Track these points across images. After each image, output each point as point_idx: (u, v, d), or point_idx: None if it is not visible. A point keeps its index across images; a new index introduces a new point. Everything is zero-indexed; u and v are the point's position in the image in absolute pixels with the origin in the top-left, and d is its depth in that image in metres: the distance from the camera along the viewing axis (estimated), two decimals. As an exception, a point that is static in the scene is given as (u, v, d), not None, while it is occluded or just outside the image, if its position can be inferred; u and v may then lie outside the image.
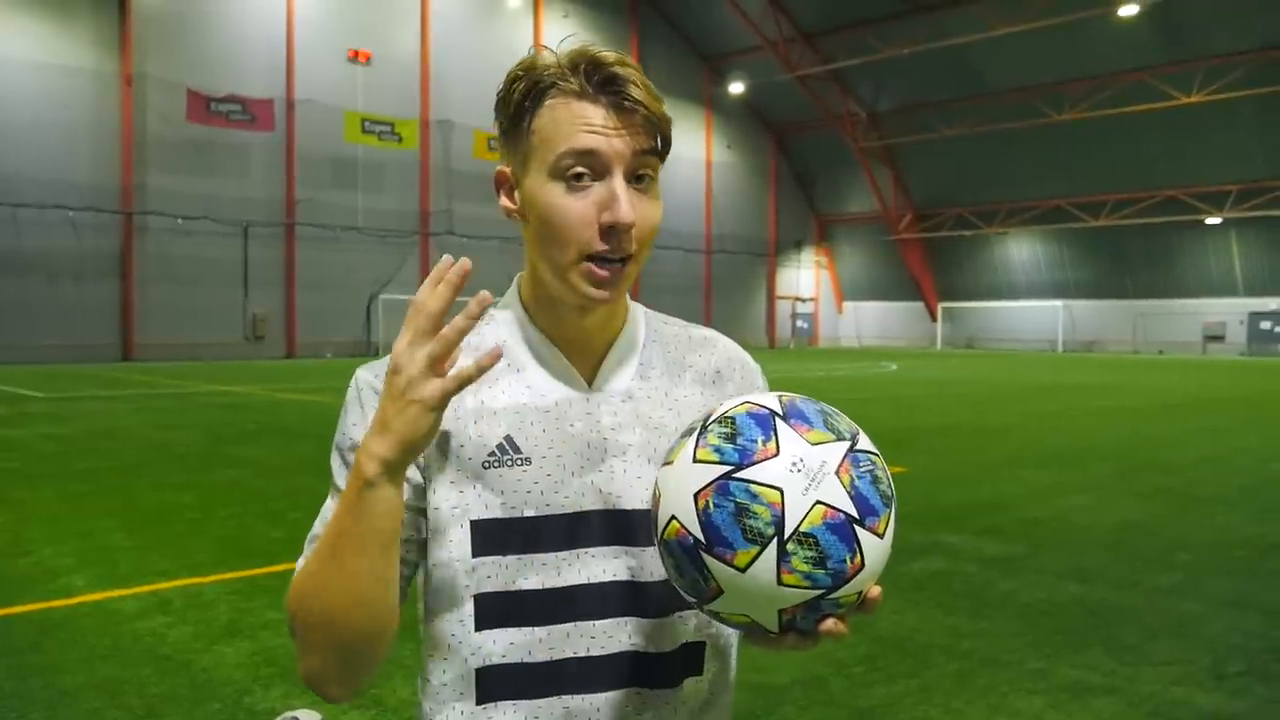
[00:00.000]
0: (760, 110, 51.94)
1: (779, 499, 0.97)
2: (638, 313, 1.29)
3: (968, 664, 4.54)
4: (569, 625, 1.15)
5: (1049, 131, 43.53)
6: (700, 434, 1.04)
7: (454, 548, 1.16)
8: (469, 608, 1.16)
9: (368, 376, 1.19)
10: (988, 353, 46.76)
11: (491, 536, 1.16)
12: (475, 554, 1.15)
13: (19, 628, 4.96)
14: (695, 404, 1.25)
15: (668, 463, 1.06)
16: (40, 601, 5.38)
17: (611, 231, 1.11)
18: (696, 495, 1.00)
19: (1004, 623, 5.17)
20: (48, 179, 29.82)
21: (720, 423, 1.04)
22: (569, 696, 1.15)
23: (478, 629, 1.16)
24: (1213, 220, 42.21)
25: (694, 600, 1.04)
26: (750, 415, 1.03)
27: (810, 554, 0.97)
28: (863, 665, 4.44)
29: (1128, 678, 4.36)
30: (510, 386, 1.20)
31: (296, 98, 34.82)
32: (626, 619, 1.17)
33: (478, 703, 1.16)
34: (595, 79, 1.11)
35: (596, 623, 1.16)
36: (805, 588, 0.98)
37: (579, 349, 1.22)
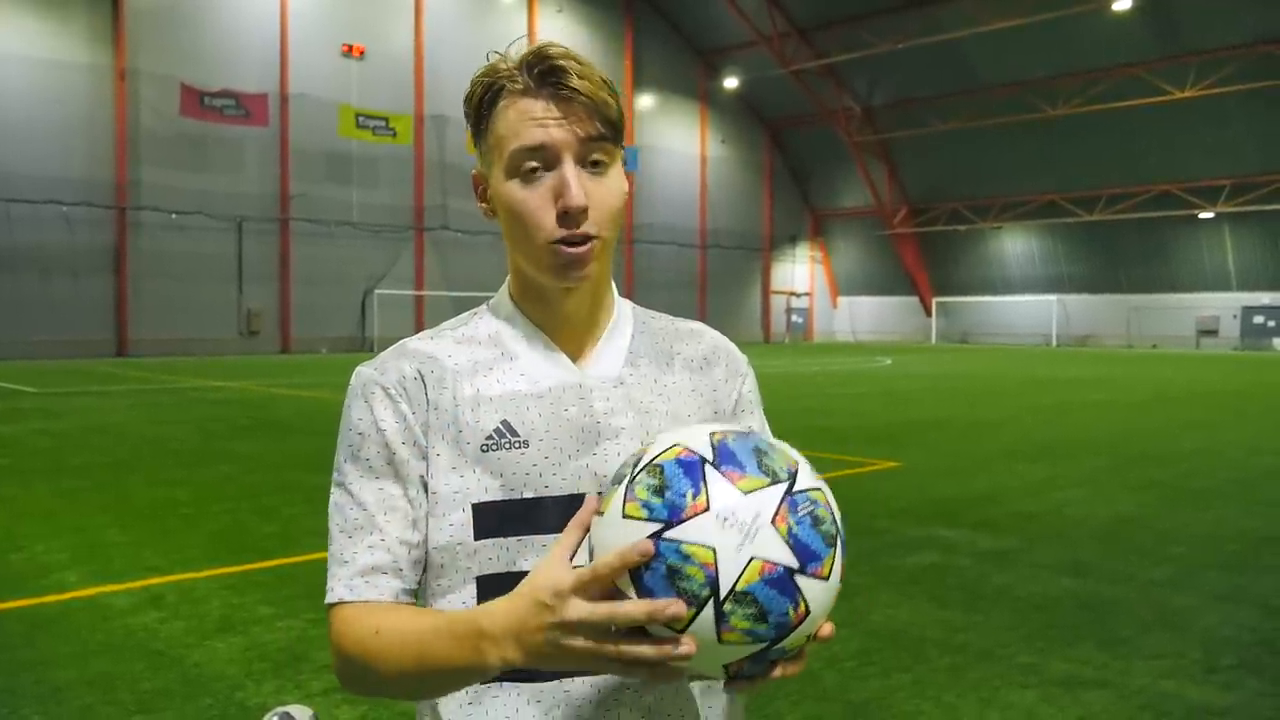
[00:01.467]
0: (755, 105, 51.91)
1: (711, 559, 0.92)
2: (625, 308, 1.33)
3: (961, 658, 4.54)
4: None
5: (1043, 126, 43.57)
6: (629, 485, 0.98)
7: (455, 531, 1.19)
8: (471, 589, 1.19)
9: (370, 372, 1.24)
10: (982, 347, 46.82)
11: (492, 519, 1.18)
12: (477, 537, 1.18)
13: (11, 623, 4.95)
14: (685, 389, 1.30)
15: (599, 512, 1.01)
16: (33, 597, 5.37)
17: (567, 216, 1.15)
18: None
19: (997, 616, 5.17)
20: (41, 174, 29.75)
21: (649, 472, 0.97)
22: (569, 680, 1.17)
23: None
24: (1206, 215, 42.29)
25: None
26: (679, 463, 0.97)
27: (749, 611, 0.92)
28: (855, 659, 4.45)
29: (1120, 671, 4.37)
30: (505, 375, 1.24)
31: (290, 92, 34.75)
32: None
33: (481, 681, 1.18)
34: (535, 72, 1.16)
35: None
36: (747, 643, 0.93)
37: (567, 338, 1.26)
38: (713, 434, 1.01)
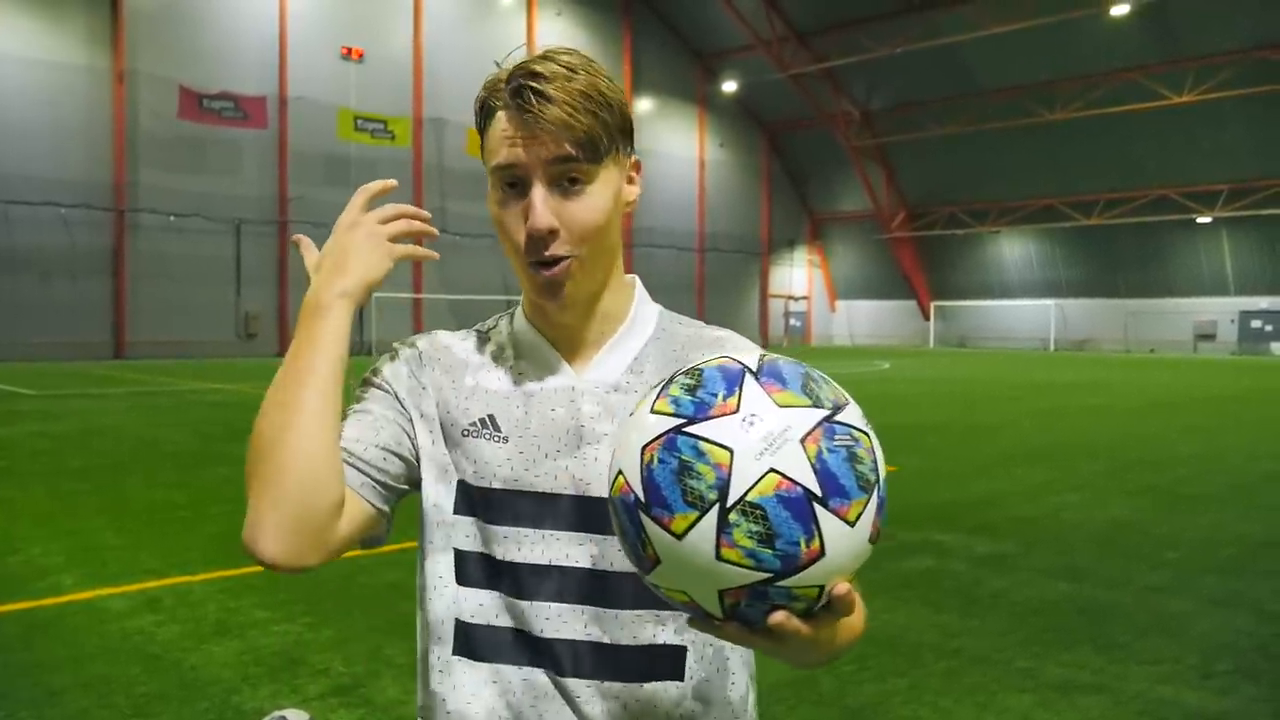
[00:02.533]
0: (753, 109, 51.95)
1: (727, 460, 0.85)
2: (649, 312, 1.32)
3: (957, 662, 4.54)
4: (525, 603, 1.19)
5: (1041, 130, 43.62)
6: (666, 385, 0.95)
7: (441, 496, 1.24)
8: (449, 558, 1.23)
9: (399, 345, 1.35)
10: (980, 351, 46.84)
11: (466, 499, 1.23)
12: (455, 511, 1.23)
13: (7, 626, 4.94)
14: None
15: (630, 414, 0.98)
16: (29, 600, 5.36)
17: (533, 239, 1.16)
18: (644, 448, 0.90)
19: (994, 621, 5.18)
20: (39, 176, 29.72)
21: (687, 374, 0.94)
22: (528, 669, 1.18)
23: (458, 582, 1.22)
24: (1204, 219, 42.34)
25: (637, 570, 0.95)
26: (720, 369, 0.92)
27: (755, 528, 0.85)
28: (852, 664, 4.44)
29: (1116, 676, 4.37)
30: (505, 373, 1.28)
31: (289, 95, 34.75)
32: (584, 607, 1.19)
33: (453, 652, 1.21)
34: (511, 89, 1.15)
35: (552, 604, 1.18)
36: (748, 567, 0.85)
37: (571, 344, 1.27)
38: (763, 355, 0.97)
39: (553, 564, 1.19)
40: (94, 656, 4.48)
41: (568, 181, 1.16)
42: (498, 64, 1.20)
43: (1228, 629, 5.05)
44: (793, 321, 56.21)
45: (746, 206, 52.85)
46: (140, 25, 31.70)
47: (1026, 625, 5.10)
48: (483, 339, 1.33)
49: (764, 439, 0.86)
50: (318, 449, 1.12)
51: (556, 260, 1.17)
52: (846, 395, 0.96)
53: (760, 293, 54.18)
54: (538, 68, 1.14)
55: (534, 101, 1.12)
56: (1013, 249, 49.72)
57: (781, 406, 0.88)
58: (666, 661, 1.20)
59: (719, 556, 0.85)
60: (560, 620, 1.18)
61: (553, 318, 1.25)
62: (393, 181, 1.29)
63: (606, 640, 1.18)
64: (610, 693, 1.18)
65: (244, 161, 33.97)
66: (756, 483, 0.85)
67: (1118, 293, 46.86)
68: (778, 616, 0.89)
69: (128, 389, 19.60)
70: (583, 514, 1.19)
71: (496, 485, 1.21)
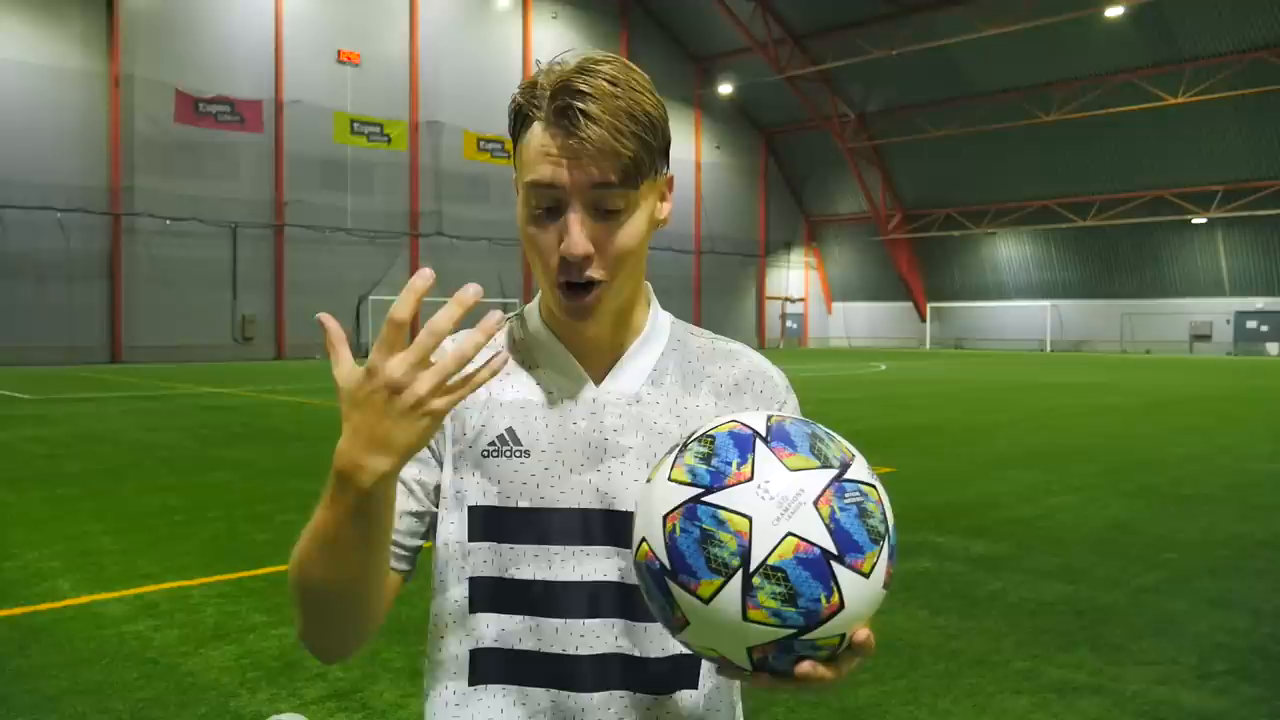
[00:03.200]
0: (749, 111, 52.00)
1: (746, 527, 0.90)
2: (663, 320, 1.30)
3: (955, 664, 4.55)
4: (558, 620, 1.17)
5: (1036, 132, 43.69)
6: (680, 452, 0.99)
7: (453, 529, 1.21)
8: (464, 589, 1.20)
9: None
10: (976, 353, 46.88)
11: (487, 523, 1.19)
12: (471, 538, 1.20)
13: (4, 631, 4.93)
14: (708, 414, 1.25)
15: (648, 480, 1.02)
16: (25, 605, 5.36)
17: (567, 263, 1.13)
18: (665, 517, 0.95)
19: (991, 622, 5.18)
20: (35, 180, 29.71)
21: (700, 441, 0.98)
22: (555, 691, 1.17)
23: (472, 611, 1.20)
24: (1199, 220, 42.43)
25: (666, 629, 1.00)
26: (731, 435, 0.97)
27: (778, 589, 0.90)
28: (850, 666, 4.44)
29: (1113, 677, 4.38)
30: (520, 382, 1.24)
31: (285, 99, 34.76)
32: (615, 621, 1.18)
33: (470, 683, 1.20)
34: (555, 106, 1.10)
35: (585, 621, 1.17)
36: (774, 625, 0.91)
37: (590, 351, 1.24)
38: (770, 416, 1.01)
39: (584, 580, 1.18)
40: (91, 662, 4.48)
41: (606, 209, 1.12)
42: (538, 64, 1.15)
43: (1224, 629, 5.06)
44: (789, 324, 56.25)
45: (743, 209, 52.90)
46: (136, 29, 31.69)
47: (1024, 626, 5.10)
48: (489, 345, 1.26)
49: (780, 504, 0.91)
50: (375, 603, 1.13)
51: (589, 285, 1.14)
52: (853, 450, 1.00)
53: (757, 295, 54.22)
54: (582, 86, 1.08)
55: (581, 124, 1.08)
56: (1009, 250, 49.79)
57: (793, 470, 0.93)
58: (686, 671, 1.21)
59: (745, 617, 0.91)
60: (593, 636, 1.17)
61: (577, 330, 1.22)
62: (427, 273, 0.96)
63: (636, 653, 1.18)
64: (637, 704, 1.18)
65: (240, 165, 33.96)
66: (776, 547, 0.90)
67: (1114, 293, 46.93)
68: (804, 667, 0.94)
69: (124, 393, 19.58)
70: (611, 529, 1.18)
71: (523, 504, 1.19)
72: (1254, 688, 4.27)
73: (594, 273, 1.13)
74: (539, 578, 1.18)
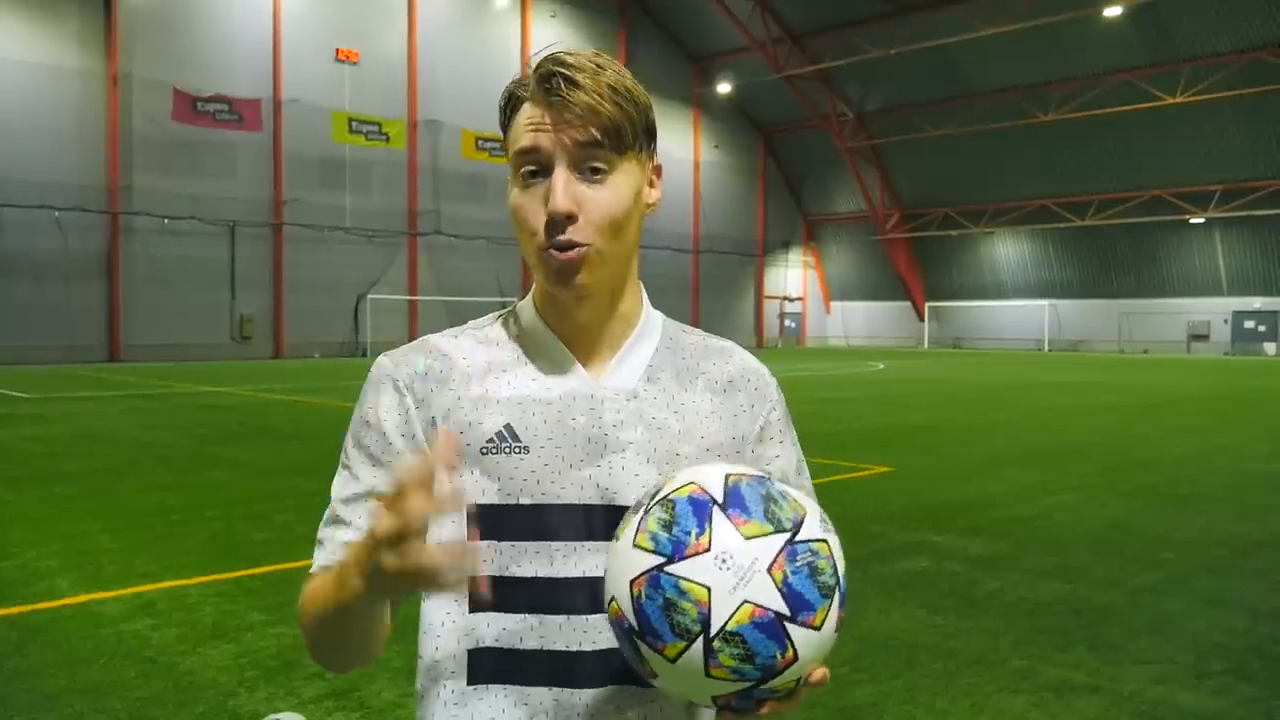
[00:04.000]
0: (748, 110, 52.00)
1: (706, 596, 0.97)
2: (655, 318, 1.31)
3: (952, 663, 4.55)
4: (561, 617, 1.17)
5: (1035, 132, 43.71)
6: (644, 515, 1.04)
7: (451, 530, 1.19)
8: (463, 589, 1.18)
9: (388, 363, 1.26)
10: (975, 352, 46.90)
11: (487, 522, 1.18)
12: (470, 538, 1.18)
13: (1, 631, 4.93)
14: (704, 410, 1.27)
15: (615, 538, 1.07)
16: (23, 604, 5.35)
17: (552, 223, 1.14)
18: (632, 582, 1.01)
19: (989, 622, 5.19)
20: (33, 179, 29.68)
21: (662, 506, 1.03)
22: (558, 688, 1.17)
23: (471, 610, 1.19)
24: (1197, 220, 42.46)
25: (639, 674, 1.06)
26: (690, 500, 1.02)
27: (737, 651, 0.97)
28: (848, 665, 4.45)
29: (1111, 677, 4.38)
30: (515, 378, 1.24)
31: (284, 97, 34.73)
32: None
33: (468, 683, 1.19)
34: (538, 76, 1.16)
35: (589, 617, 1.17)
36: (734, 680, 0.98)
37: (586, 346, 1.25)
38: (728, 475, 1.05)
39: (586, 575, 1.18)
40: (89, 661, 4.48)
41: (590, 170, 1.15)
42: (527, 65, 1.21)
43: (1222, 629, 5.06)
44: (788, 323, 56.27)
45: (741, 208, 52.90)
46: (134, 28, 31.66)
47: (1021, 626, 5.11)
48: (482, 340, 1.28)
49: (736, 574, 0.98)
50: (380, 639, 1.22)
51: (573, 246, 1.15)
52: (804, 505, 1.06)
53: (755, 294, 54.23)
54: (568, 58, 1.15)
55: (562, 87, 1.13)
56: (1007, 250, 49.81)
57: (748, 539, 0.99)
58: None
59: (709, 674, 0.98)
60: (596, 631, 1.17)
61: (570, 314, 1.22)
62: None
63: None
64: (638, 698, 1.18)
65: (238, 164, 33.93)
66: (734, 614, 0.97)
67: (1112, 293, 46.97)
68: (765, 710, 1.03)
69: (122, 392, 19.57)
70: (612, 524, 1.17)
71: (524, 501, 1.19)
72: (1251, 687, 4.28)
73: (577, 235, 1.15)
74: (541, 575, 1.18)
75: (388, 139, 37.09)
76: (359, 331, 36.96)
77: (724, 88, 47.06)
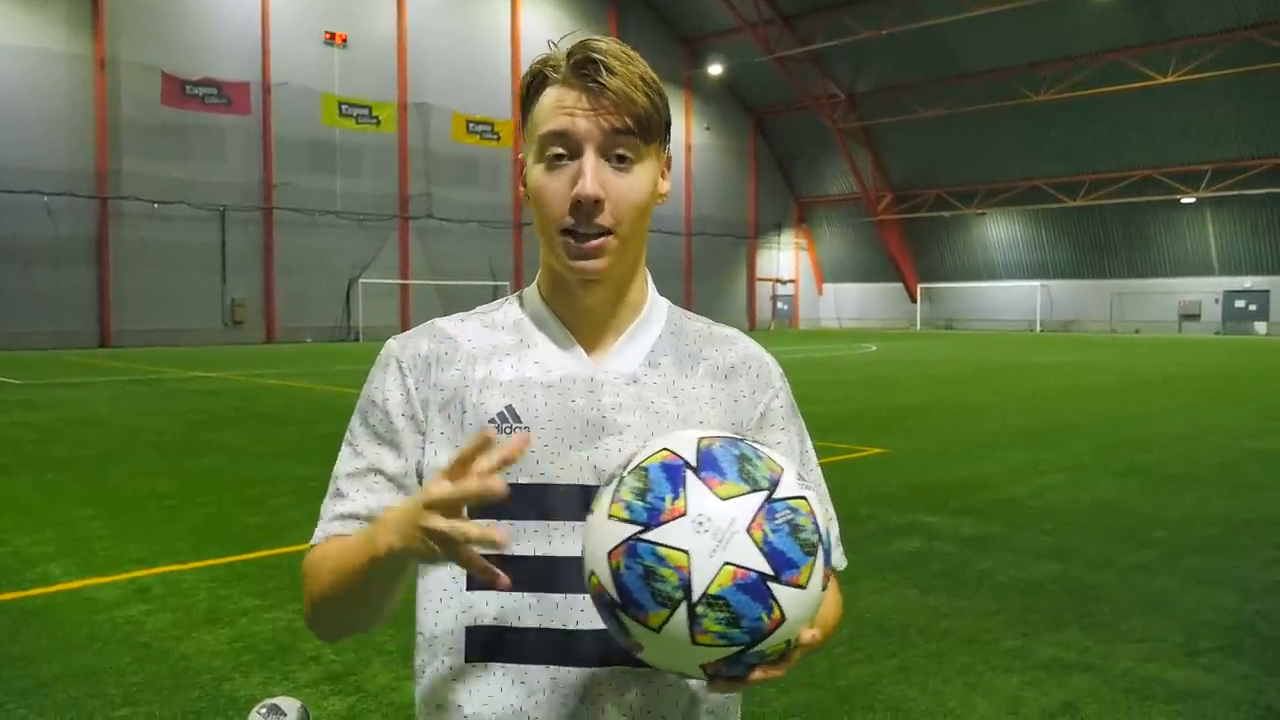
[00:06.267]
0: (739, 92, 51.86)
1: (685, 562, 0.94)
2: (660, 305, 1.34)
3: (945, 643, 4.58)
4: (559, 596, 1.19)
5: (1026, 112, 43.70)
6: (618, 486, 1.02)
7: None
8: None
9: (395, 345, 1.30)
10: (967, 333, 47.00)
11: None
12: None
13: (-4, 617, 4.93)
14: (703, 396, 1.28)
15: (590, 510, 1.05)
16: (16, 591, 5.35)
17: (579, 206, 1.16)
18: (609, 554, 0.99)
19: (981, 602, 5.21)
20: (22, 164, 29.51)
21: (635, 474, 1.01)
22: (555, 666, 1.18)
23: (469, 588, 1.21)
24: (1188, 200, 42.53)
25: (626, 649, 1.05)
26: (663, 467, 1.00)
27: (721, 615, 0.94)
28: (843, 645, 4.47)
29: (1103, 655, 4.41)
30: (518, 361, 1.26)
31: (273, 81, 34.53)
32: None
33: (466, 659, 1.21)
34: (573, 62, 1.17)
35: (587, 596, 1.17)
36: (722, 646, 0.96)
37: (589, 330, 1.27)
38: (700, 439, 1.03)
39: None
40: (83, 646, 4.48)
41: (617, 157, 1.18)
42: (552, 44, 1.22)
43: (1212, 607, 5.09)
44: (780, 305, 56.29)
45: (733, 190, 52.82)
46: (122, 11, 31.43)
47: (1014, 605, 5.13)
48: (488, 324, 1.31)
49: (714, 536, 0.95)
50: (387, 608, 1.23)
51: (598, 233, 1.18)
52: (780, 463, 1.03)
53: (747, 276, 54.22)
54: (601, 45, 1.18)
55: (602, 73, 1.16)
56: (999, 231, 49.85)
57: (724, 499, 0.97)
58: None
59: (695, 642, 0.96)
60: (594, 610, 1.16)
61: (577, 298, 1.25)
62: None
63: None
64: (636, 677, 1.19)
65: (228, 148, 33.78)
66: (715, 577, 0.94)
67: (1103, 273, 47.08)
68: (756, 675, 1.01)
69: (113, 377, 19.51)
70: None
71: (523, 480, 1.20)
72: (1241, 664, 4.31)
73: (603, 219, 1.17)
74: (539, 553, 1.19)
75: (378, 122, 36.92)
76: (351, 316, 36.89)
77: (715, 69, 46.89)
